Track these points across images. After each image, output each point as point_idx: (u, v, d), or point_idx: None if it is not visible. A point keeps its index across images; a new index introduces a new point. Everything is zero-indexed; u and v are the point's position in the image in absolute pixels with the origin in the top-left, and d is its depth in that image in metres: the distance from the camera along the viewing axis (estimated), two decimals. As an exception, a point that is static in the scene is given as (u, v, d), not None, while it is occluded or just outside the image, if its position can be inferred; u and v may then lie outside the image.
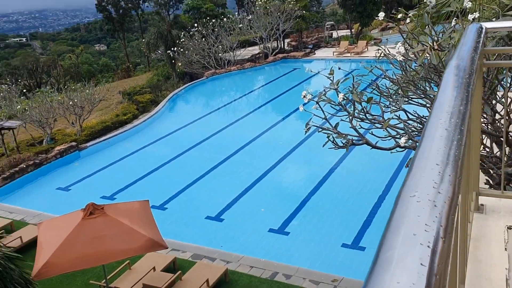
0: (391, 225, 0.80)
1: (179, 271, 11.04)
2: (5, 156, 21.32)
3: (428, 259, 0.71)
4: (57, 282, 11.39)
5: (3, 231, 13.48)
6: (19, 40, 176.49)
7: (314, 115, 6.97)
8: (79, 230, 8.52)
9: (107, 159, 20.64)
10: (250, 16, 38.59)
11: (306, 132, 6.90)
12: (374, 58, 7.85)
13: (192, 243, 12.88)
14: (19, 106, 25.46)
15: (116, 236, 8.60)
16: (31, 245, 12.14)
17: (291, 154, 19.50)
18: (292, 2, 37.41)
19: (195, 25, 36.41)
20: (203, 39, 35.35)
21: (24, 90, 33.30)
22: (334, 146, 6.93)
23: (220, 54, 36.18)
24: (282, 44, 40.77)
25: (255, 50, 39.89)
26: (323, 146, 7.04)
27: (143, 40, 41.36)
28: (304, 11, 38.08)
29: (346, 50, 37.21)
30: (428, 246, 0.74)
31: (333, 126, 6.90)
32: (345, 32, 45.28)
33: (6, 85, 33.15)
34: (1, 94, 30.13)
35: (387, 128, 6.50)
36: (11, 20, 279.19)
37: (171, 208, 15.51)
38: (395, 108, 6.94)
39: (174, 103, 29.74)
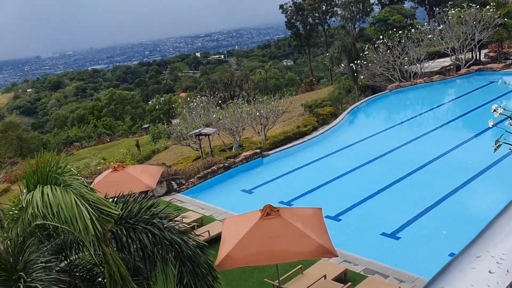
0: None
1: (350, 283, 10.95)
2: (201, 158, 24.06)
3: None
4: (236, 276, 12.35)
5: (195, 224, 15.23)
6: (218, 57, 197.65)
7: (506, 131, 6.25)
8: (257, 228, 9.14)
9: (286, 167, 21.63)
10: (442, 26, 36.29)
11: (495, 149, 6.23)
12: None
13: (365, 257, 12.63)
14: (214, 116, 28.53)
15: (289, 238, 8.98)
16: (216, 239, 13.32)
17: (482, 175, 17.66)
18: (491, 10, 33.98)
19: (381, 37, 35.79)
20: (388, 51, 34.50)
21: (220, 102, 37.15)
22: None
23: (405, 66, 34.83)
24: (478, 55, 37.29)
25: (445, 62, 37.29)
26: (517, 165, 6.24)
27: (327, 54, 42.27)
28: (505, 19, 34.22)
29: (558, 61, 32.22)
30: None
31: (531, 142, 6.09)
32: (558, 40, 39.22)
33: (205, 97, 37.51)
34: (201, 104, 34.19)
35: None
36: (212, 39, 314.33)
37: (345, 220, 15.47)
38: None
39: (354, 116, 29.63)
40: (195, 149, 26.06)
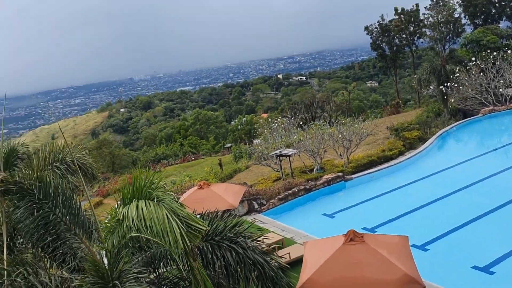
0: None
1: (437, 318, 10.30)
2: (282, 179, 24.13)
3: None
4: (316, 301, 12.10)
5: (276, 245, 15.21)
6: (300, 78, 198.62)
7: None
8: (340, 253, 8.96)
9: (370, 192, 21.03)
10: (543, 47, 33.81)
11: None
12: None
13: (454, 290, 11.86)
14: (295, 137, 28.61)
15: (373, 265, 8.69)
16: (297, 262, 13.22)
17: None
18: None
19: (473, 59, 34.06)
20: (481, 73, 32.68)
21: (301, 123, 37.21)
22: None
23: (500, 90, 32.74)
24: None
25: (546, 85, 34.52)
26: None
27: (415, 76, 40.96)
28: None
29: None
30: None
31: None
32: None
33: (286, 118, 37.81)
34: (282, 125, 34.48)
35: None
36: (294, 61, 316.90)
37: (433, 250, 14.67)
38: None
39: (443, 141, 28.24)
40: (276, 169, 26.21)
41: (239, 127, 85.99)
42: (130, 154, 76.29)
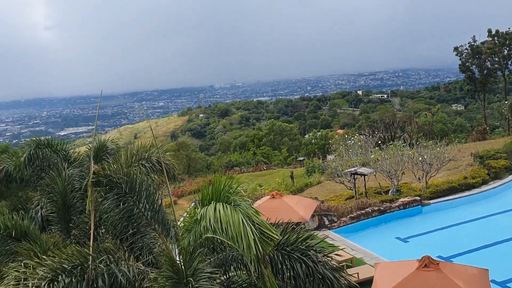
0: None
1: None
2: (355, 198, 23.66)
3: None
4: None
5: (345, 263, 14.95)
6: (381, 96, 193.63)
7: None
8: (412, 278, 8.64)
9: (448, 219, 20.07)
10: None
11: None
12: None
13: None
14: (372, 156, 27.95)
15: (450, 297, 8.27)
16: (366, 283, 12.86)
17: None
18: None
19: None
20: None
21: (379, 142, 36.31)
22: None
23: None
24: None
25: None
26: None
27: (506, 102, 38.56)
28: None
29: None
30: None
31: None
32: None
33: (364, 136, 37.08)
34: (359, 143, 33.85)
35: None
36: (376, 78, 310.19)
37: (515, 288, 13.66)
38: None
39: (534, 173, 26.24)
40: (349, 187, 25.72)
41: (313, 141, 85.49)
42: (205, 159, 78.50)
